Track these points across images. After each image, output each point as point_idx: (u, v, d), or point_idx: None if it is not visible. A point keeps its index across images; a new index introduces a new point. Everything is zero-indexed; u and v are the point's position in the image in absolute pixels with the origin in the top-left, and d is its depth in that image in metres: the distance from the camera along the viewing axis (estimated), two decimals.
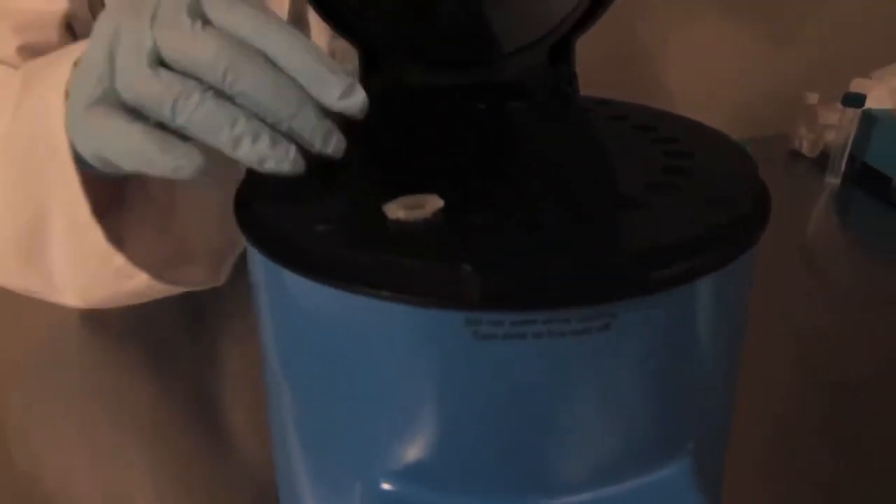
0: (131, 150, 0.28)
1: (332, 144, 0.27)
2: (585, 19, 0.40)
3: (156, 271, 0.41)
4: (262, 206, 0.26)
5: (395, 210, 0.23)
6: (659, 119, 0.33)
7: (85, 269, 0.41)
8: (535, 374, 0.22)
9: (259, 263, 0.26)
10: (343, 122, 0.28)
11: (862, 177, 0.73)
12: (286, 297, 0.25)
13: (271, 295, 0.26)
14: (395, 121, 0.34)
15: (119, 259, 0.39)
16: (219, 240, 0.47)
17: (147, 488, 0.41)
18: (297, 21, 0.56)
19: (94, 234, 0.38)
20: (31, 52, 0.49)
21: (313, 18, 0.57)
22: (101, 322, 0.55)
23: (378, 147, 0.32)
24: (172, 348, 0.52)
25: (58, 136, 0.35)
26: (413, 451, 0.24)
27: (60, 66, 0.36)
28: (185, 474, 0.42)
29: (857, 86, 0.85)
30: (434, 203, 0.24)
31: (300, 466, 0.28)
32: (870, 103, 0.76)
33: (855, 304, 0.56)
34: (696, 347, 0.24)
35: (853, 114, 0.71)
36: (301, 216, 0.25)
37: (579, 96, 0.38)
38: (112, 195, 0.42)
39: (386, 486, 0.25)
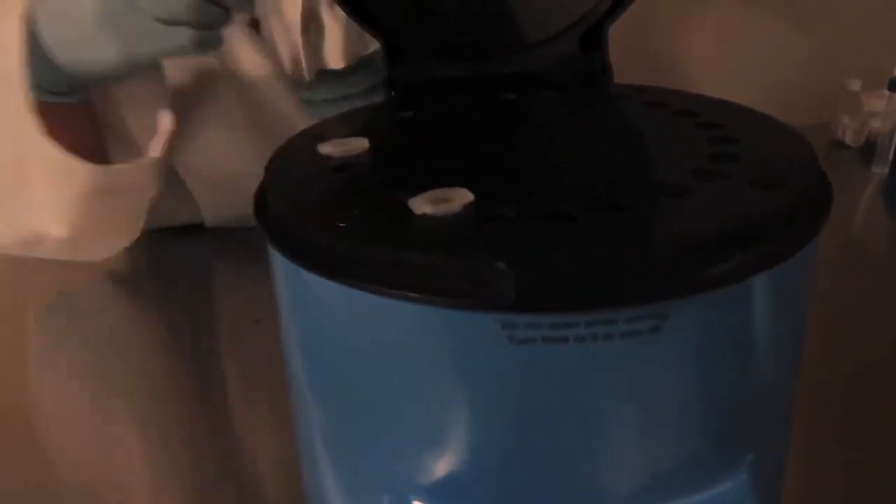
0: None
1: None
2: (617, 6, 0.38)
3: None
4: (281, 204, 0.24)
5: (422, 205, 0.21)
6: (701, 104, 0.31)
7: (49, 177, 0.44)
8: (578, 380, 0.20)
9: (280, 266, 0.24)
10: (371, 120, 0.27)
11: None
12: (308, 300, 0.23)
13: (293, 298, 0.24)
14: (421, 113, 0.33)
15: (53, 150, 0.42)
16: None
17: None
18: (312, 17, 0.56)
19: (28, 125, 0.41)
20: None
21: (327, 15, 0.56)
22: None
23: (404, 141, 0.30)
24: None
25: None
26: (444, 465, 0.22)
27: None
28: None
29: None
30: (463, 196, 0.22)
31: (327, 479, 0.26)
32: None
33: None
34: (755, 350, 0.21)
35: None
36: (319, 209, 0.23)
37: (614, 84, 0.36)
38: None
39: (416, 503, 0.23)
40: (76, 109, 0.49)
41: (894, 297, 0.54)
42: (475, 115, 0.33)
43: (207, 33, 0.36)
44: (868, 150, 0.73)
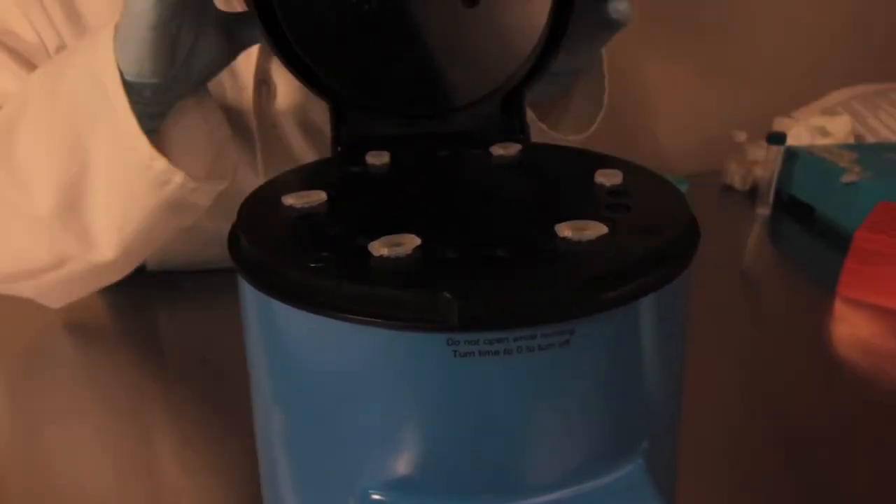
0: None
1: None
2: (534, 73, 0.44)
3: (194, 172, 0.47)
4: (255, 243, 0.28)
5: (379, 248, 0.26)
6: (604, 161, 0.37)
7: (124, 189, 0.47)
8: (506, 385, 0.25)
9: (252, 298, 0.28)
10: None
11: (788, 207, 0.80)
12: (278, 327, 0.28)
13: (264, 325, 0.29)
14: (367, 168, 0.38)
15: (160, 163, 0.45)
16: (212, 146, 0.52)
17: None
18: (264, 80, 0.60)
19: (139, 141, 0.44)
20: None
21: (279, 77, 0.61)
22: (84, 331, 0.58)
23: (356, 192, 0.35)
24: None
25: (106, 69, 0.43)
26: (400, 462, 0.27)
27: (99, 37, 0.44)
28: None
29: (779, 125, 0.92)
30: (412, 241, 0.27)
31: (290, 483, 0.30)
32: (791, 141, 0.83)
33: (786, 319, 0.61)
34: (644, 356, 0.27)
35: (777, 151, 0.78)
36: (293, 253, 0.28)
37: (531, 143, 0.42)
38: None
39: (376, 497, 0.27)
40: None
41: (773, 312, 0.63)
42: (415, 169, 0.38)
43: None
44: (754, 193, 0.82)
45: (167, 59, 0.43)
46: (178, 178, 0.46)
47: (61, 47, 0.57)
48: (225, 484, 0.44)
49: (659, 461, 0.29)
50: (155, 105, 0.46)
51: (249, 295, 0.29)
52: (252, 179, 0.58)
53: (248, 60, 0.59)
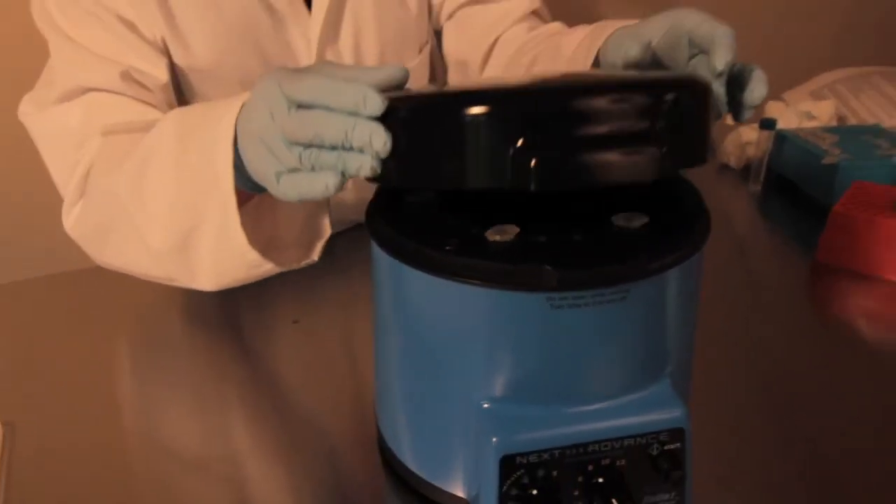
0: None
1: (380, 138, 0.38)
2: None
3: (262, 251, 0.55)
4: (399, 231, 0.40)
5: (493, 235, 0.39)
6: None
7: (224, 263, 0.56)
8: (584, 326, 0.38)
9: (388, 267, 0.40)
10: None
11: (777, 184, 0.91)
12: (424, 294, 0.40)
13: (410, 294, 0.41)
14: None
15: (253, 255, 0.54)
16: (307, 229, 0.61)
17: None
18: None
19: (240, 239, 0.53)
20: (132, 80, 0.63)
21: None
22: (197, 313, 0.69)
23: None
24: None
25: (224, 170, 0.50)
26: (504, 382, 0.39)
27: (221, 122, 0.50)
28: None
29: (770, 109, 1.04)
30: (513, 230, 0.39)
31: (422, 404, 0.43)
32: (781, 124, 0.94)
33: (774, 280, 0.74)
34: (672, 309, 0.40)
35: (768, 135, 0.89)
36: (426, 236, 0.39)
37: None
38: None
39: (486, 406, 0.40)
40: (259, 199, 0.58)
41: (763, 274, 0.75)
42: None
43: (344, 180, 0.41)
44: (747, 171, 0.94)
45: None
46: (269, 266, 0.55)
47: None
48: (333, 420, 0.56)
49: (679, 381, 0.42)
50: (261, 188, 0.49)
51: (382, 261, 0.41)
52: None
53: (307, 48, 0.69)
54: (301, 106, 0.41)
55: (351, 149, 0.39)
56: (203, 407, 0.58)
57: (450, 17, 0.80)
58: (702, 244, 0.40)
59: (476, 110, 0.36)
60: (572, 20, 0.78)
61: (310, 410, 0.57)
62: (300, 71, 0.43)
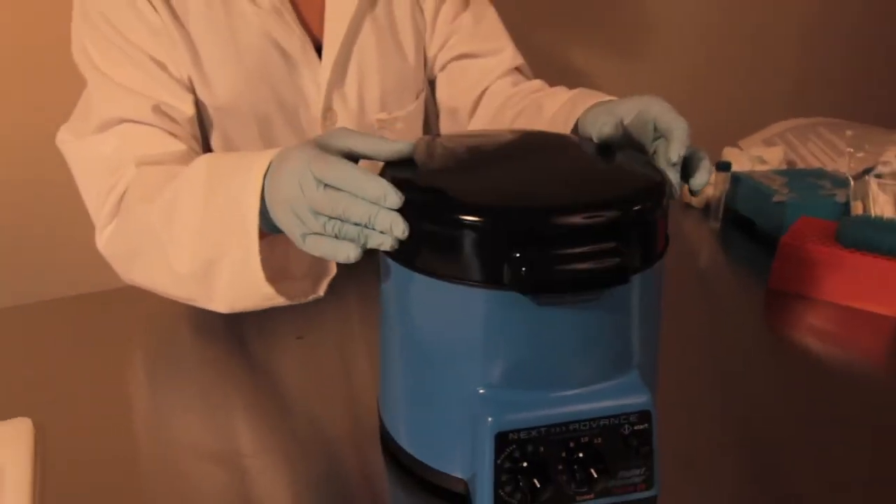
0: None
1: (400, 226, 0.45)
2: None
3: (274, 279, 0.60)
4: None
5: None
6: None
7: (240, 293, 0.61)
8: (562, 322, 0.45)
9: (392, 269, 0.47)
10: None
11: (734, 221, 1.00)
12: (414, 293, 0.47)
13: (409, 294, 0.47)
14: None
15: (268, 289, 0.59)
16: (315, 264, 0.66)
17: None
18: (329, 107, 0.77)
19: (258, 276, 0.58)
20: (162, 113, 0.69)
21: (340, 106, 0.79)
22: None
23: None
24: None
25: (251, 216, 0.56)
26: (495, 371, 0.46)
27: (251, 172, 0.56)
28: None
29: (727, 154, 1.14)
30: None
31: (421, 394, 0.49)
32: (737, 167, 1.04)
33: (731, 305, 0.82)
34: (639, 311, 0.47)
35: (724, 176, 0.99)
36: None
37: None
38: None
39: (481, 391, 0.46)
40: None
41: (721, 300, 0.84)
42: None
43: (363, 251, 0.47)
44: (707, 209, 1.03)
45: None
46: (282, 299, 0.61)
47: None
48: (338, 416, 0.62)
49: (646, 373, 0.49)
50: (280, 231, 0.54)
51: (400, 274, 0.48)
52: None
53: (317, 91, 0.77)
54: (328, 186, 0.47)
55: (373, 228, 0.46)
56: (212, 412, 0.64)
57: (442, 68, 0.88)
58: (657, 258, 0.48)
59: (472, 221, 0.44)
60: (552, 74, 0.87)
61: (313, 412, 0.63)
62: (326, 152, 0.49)
